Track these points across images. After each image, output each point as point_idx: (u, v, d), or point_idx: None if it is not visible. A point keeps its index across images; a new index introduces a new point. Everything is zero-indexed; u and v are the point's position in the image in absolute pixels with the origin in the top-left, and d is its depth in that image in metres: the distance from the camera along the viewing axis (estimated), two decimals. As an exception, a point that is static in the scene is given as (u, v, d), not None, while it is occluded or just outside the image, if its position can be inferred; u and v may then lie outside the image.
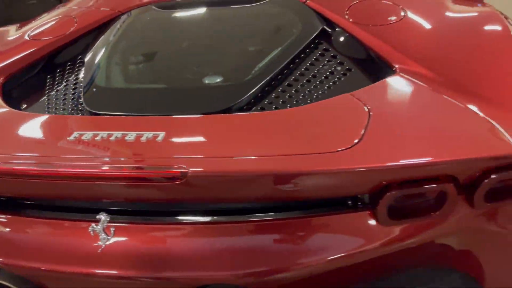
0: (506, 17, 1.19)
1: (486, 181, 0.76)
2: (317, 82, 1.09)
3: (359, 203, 0.79)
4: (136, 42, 1.31)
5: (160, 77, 1.17)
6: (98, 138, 0.83)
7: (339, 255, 0.77)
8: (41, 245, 0.83)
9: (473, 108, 0.85)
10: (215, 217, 0.79)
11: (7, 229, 0.86)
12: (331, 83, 1.07)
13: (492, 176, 0.76)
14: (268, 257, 0.77)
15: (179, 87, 1.10)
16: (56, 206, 0.86)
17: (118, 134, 0.83)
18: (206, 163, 0.75)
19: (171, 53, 1.24)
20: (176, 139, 0.83)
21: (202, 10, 1.44)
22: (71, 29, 1.41)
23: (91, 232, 0.79)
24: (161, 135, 0.82)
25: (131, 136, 0.82)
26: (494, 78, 0.95)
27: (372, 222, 0.77)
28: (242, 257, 0.77)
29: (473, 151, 0.76)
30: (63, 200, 0.85)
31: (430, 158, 0.74)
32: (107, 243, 0.78)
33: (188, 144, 0.84)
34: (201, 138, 0.86)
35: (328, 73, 1.12)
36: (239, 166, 0.74)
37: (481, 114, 0.83)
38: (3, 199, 0.88)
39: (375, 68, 1.10)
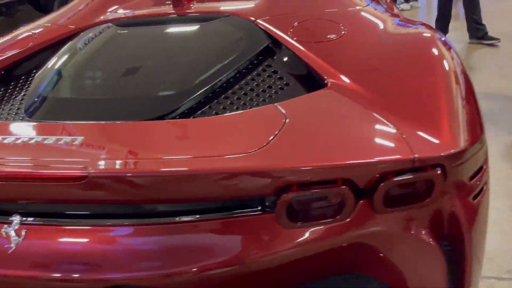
0: (442, 42, 1.23)
1: (382, 184, 0.77)
2: (254, 95, 1.13)
3: (262, 206, 0.80)
4: (85, 56, 1.35)
5: (98, 87, 1.21)
6: (19, 142, 0.86)
7: (243, 257, 0.79)
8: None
9: (386, 120, 0.88)
10: (120, 220, 0.81)
11: None
12: (267, 96, 1.11)
13: (388, 180, 0.78)
14: (170, 259, 0.78)
15: (114, 97, 1.14)
16: None
17: (38, 138, 0.86)
18: (108, 164, 0.78)
19: (115, 66, 1.29)
20: (92, 143, 0.86)
21: (157, 28, 1.49)
22: (29, 44, 1.46)
23: (4, 234, 0.81)
24: (79, 139, 0.85)
25: (50, 140, 0.85)
26: (412, 94, 0.98)
27: (275, 224, 0.79)
28: (147, 259, 0.79)
29: (367, 155, 0.78)
30: None
31: (323, 162, 0.77)
32: (18, 244, 0.80)
33: (102, 148, 0.87)
34: (116, 143, 0.89)
35: (266, 87, 1.16)
36: (138, 167, 0.77)
37: (390, 125, 0.86)
38: None
39: (310, 83, 1.14)
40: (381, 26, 1.36)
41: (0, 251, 0.81)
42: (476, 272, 0.95)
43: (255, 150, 0.79)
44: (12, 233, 0.81)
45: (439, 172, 0.80)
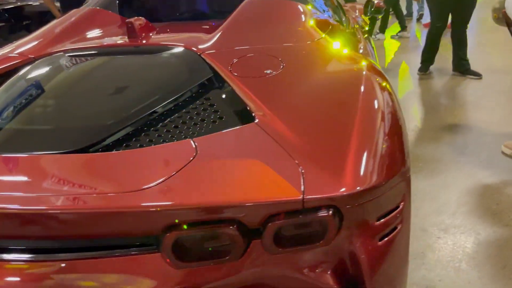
0: (375, 80, 1.24)
1: (270, 225, 0.77)
2: (185, 128, 1.13)
3: (151, 245, 0.80)
4: (29, 85, 1.37)
5: (26, 117, 1.22)
6: None
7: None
8: None
9: (295, 159, 0.87)
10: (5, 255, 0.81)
11: None
12: (198, 130, 1.11)
13: (277, 221, 0.77)
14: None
15: (38, 128, 1.15)
16: None
17: None
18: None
19: (54, 97, 1.30)
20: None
21: (106, 59, 1.52)
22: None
23: None
24: None
25: None
26: (327, 134, 0.99)
27: (164, 264, 0.78)
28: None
29: (255, 196, 0.78)
30: None
31: (208, 201, 0.76)
32: None
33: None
34: (12, 176, 0.90)
35: (199, 120, 1.17)
36: (20, 203, 0.77)
37: (296, 164, 0.86)
38: None
39: (243, 117, 1.14)
40: (320, 62, 1.38)
41: None
42: None
43: (148, 187, 0.79)
44: None
45: (331, 213, 0.79)
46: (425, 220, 2.12)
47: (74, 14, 2.02)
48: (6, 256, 0.81)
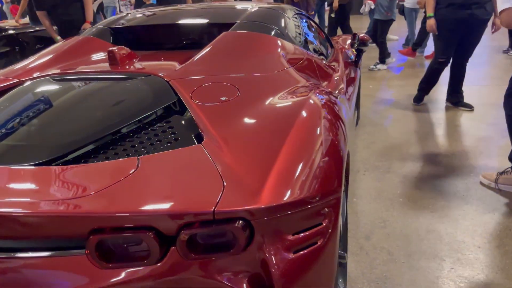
0: (316, 109, 1.37)
1: (183, 233, 0.87)
2: (141, 147, 1.26)
3: (80, 246, 0.91)
4: (9, 105, 1.53)
5: (5, 133, 1.37)
6: None
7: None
8: None
9: (221, 176, 0.99)
10: None
11: None
12: (152, 149, 1.24)
13: (189, 230, 0.88)
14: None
15: (12, 143, 1.29)
16: None
17: None
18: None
19: (27, 115, 1.45)
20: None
21: (84, 83, 1.67)
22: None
23: None
24: None
25: None
26: (259, 155, 1.10)
27: (89, 263, 0.89)
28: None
29: (170, 206, 0.89)
30: None
31: (127, 210, 0.88)
32: None
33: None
34: None
35: (156, 140, 1.30)
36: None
37: (222, 180, 0.97)
38: None
39: (195, 138, 1.27)
40: (274, 91, 1.50)
41: None
42: None
43: (82, 196, 0.91)
44: None
45: (239, 225, 0.89)
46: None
47: (69, 41, 2.21)
48: None
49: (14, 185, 1.01)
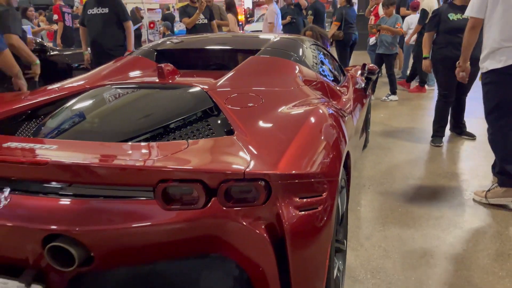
0: (322, 114, 1.76)
1: (223, 185, 1.25)
2: (187, 137, 1.66)
3: (152, 193, 1.29)
4: (84, 103, 1.96)
5: (83, 122, 1.79)
6: (20, 145, 1.42)
7: (133, 225, 1.26)
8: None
9: (248, 153, 1.37)
10: (68, 191, 1.32)
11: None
12: (196, 137, 1.64)
13: (227, 184, 1.25)
14: (87, 219, 1.27)
15: (91, 129, 1.71)
16: None
17: (36, 145, 1.42)
18: (62, 159, 1.31)
19: (101, 111, 1.87)
20: (61, 149, 1.41)
21: (139, 90, 2.10)
22: (52, 95, 2.10)
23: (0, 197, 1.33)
24: (54, 146, 1.40)
25: (36, 145, 1.41)
26: (279, 141, 1.49)
27: (157, 205, 1.27)
28: (74, 220, 1.28)
29: (214, 167, 1.27)
30: None
31: (184, 167, 1.26)
32: (4, 204, 1.32)
33: (64, 150, 1.41)
34: (72, 150, 1.43)
35: (197, 132, 1.70)
36: (77, 161, 1.29)
37: (248, 155, 1.35)
38: None
39: (227, 132, 1.66)
40: (290, 101, 1.90)
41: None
42: (302, 265, 1.36)
43: (153, 159, 1.30)
44: (2, 198, 1.34)
45: (262, 184, 1.27)
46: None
47: (121, 59, 2.67)
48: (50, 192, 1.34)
49: (107, 152, 1.41)
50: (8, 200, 1.34)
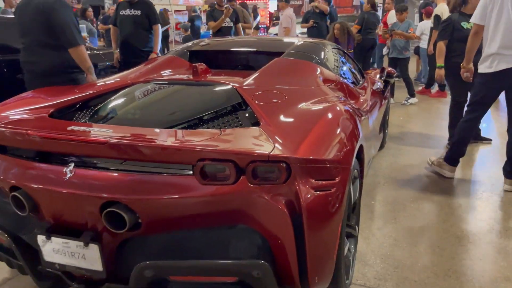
0: (339, 109, 1.98)
1: (250, 165, 1.49)
2: (218, 125, 1.91)
3: (191, 169, 1.54)
4: (128, 96, 2.24)
5: (129, 112, 2.06)
6: (81, 129, 1.70)
7: (175, 196, 1.52)
8: (47, 176, 1.65)
9: (271, 139, 1.60)
10: (126, 166, 1.59)
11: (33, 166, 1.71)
12: (225, 126, 1.89)
13: (254, 165, 1.49)
14: (138, 190, 1.53)
15: (138, 117, 1.98)
16: (57, 158, 1.72)
17: (94, 129, 1.70)
18: (119, 139, 1.57)
19: (142, 103, 2.15)
20: (117, 132, 1.67)
21: (176, 86, 2.37)
22: (100, 89, 2.39)
23: (64, 171, 1.61)
24: (110, 130, 1.67)
25: (95, 129, 1.68)
26: (300, 130, 1.73)
27: (195, 180, 1.52)
28: (128, 189, 1.54)
29: (244, 150, 1.51)
30: (58, 153, 1.70)
31: (220, 149, 1.51)
32: (70, 176, 1.60)
33: (119, 133, 1.67)
34: (126, 133, 1.69)
35: (227, 122, 1.94)
36: (130, 142, 1.56)
37: (271, 142, 1.59)
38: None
39: (253, 123, 1.90)
40: (309, 98, 2.13)
41: (61, 180, 1.61)
42: (317, 236, 1.59)
43: (193, 142, 1.56)
44: (68, 171, 1.61)
45: (283, 166, 1.50)
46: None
47: (157, 59, 2.95)
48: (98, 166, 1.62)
49: (154, 135, 1.67)
50: (73, 173, 1.61)
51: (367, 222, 2.90)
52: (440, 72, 4.32)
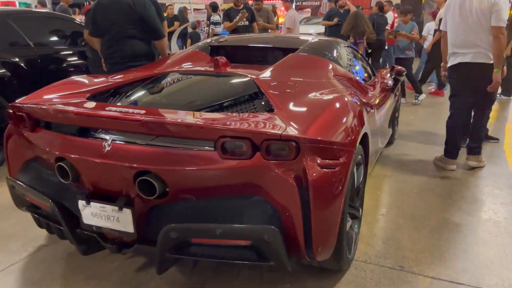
0: (346, 100, 2.21)
1: (265, 142, 1.71)
2: (236, 111, 2.14)
3: (213, 145, 1.78)
4: (158, 84, 2.49)
5: (160, 97, 2.31)
6: (118, 109, 1.95)
7: (199, 167, 1.75)
8: (88, 148, 1.91)
9: (285, 122, 1.83)
10: (157, 141, 1.84)
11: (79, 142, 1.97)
12: (244, 111, 2.12)
13: (268, 142, 1.72)
14: (167, 162, 1.77)
15: (168, 101, 2.23)
16: (97, 133, 1.97)
17: (129, 110, 1.95)
18: (151, 118, 1.82)
19: (171, 91, 2.39)
20: (150, 113, 1.91)
21: (200, 76, 2.62)
22: (130, 77, 2.65)
23: (104, 145, 1.87)
24: (143, 111, 1.92)
25: (130, 110, 1.94)
26: (309, 115, 1.95)
27: (216, 154, 1.76)
28: (158, 160, 1.78)
29: (259, 130, 1.74)
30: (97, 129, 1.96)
31: (238, 129, 1.74)
32: (108, 149, 1.85)
33: (152, 114, 1.91)
34: (156, 114, 1.93)
35: (244, 109, 2.18)
36: (162, 120, 1.80)
37: (284, 124, 1.81)
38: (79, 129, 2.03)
39: (268, 110, 2.13)
40: (319, 89, 2.35)
41: (101, 152, 1.86)
42: (323, 206, 1.81)
43: (214, 121, 1.80)
44: (106, 144, 1.87)
45: (293, 144, 1.72)
46: (401, 220, 2.89)
47: (181, 52, 3.20)
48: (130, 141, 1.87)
49: (183, 115, 1.91)
50: (111, 146, 1.86)
51: (372, 209, 3.10)
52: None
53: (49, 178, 2.14)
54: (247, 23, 6.76)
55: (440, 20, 6.42)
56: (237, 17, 6.55)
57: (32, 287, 2.20)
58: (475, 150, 3.99)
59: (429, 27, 7.73)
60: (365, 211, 2.88)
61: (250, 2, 8.41)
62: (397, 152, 4.48)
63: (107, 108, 1.97)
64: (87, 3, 9.43)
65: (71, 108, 1.97)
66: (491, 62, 3.60)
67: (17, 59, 4.15)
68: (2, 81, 3.96)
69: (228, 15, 6.86)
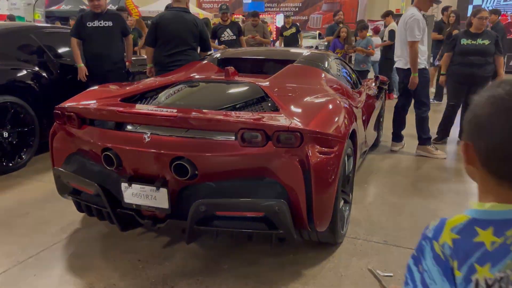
0: (339, 101, 2.69)
1: (275, 133, 2.17)
2: (250, 110, 2.61)
3: (234, 136, 2.23)
4: (176, 90, 2.95)
5: (186, 100, 2.76)
6: (153, 109, 2.40)
7: (223, 154, 2.21)
8: (131, 139, 2.35)
9: (290, 118, 2.29)
10: (189, 133, 2.29)
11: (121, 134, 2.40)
12: (255, 110, 2.58)
13: (278, 133, 2.18)
14: (197, 149, 2.22)
15: (185, 103, 2.68)
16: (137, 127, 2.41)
17: (163, 109, 2.39)
18: (185, 115, 2.27)
19: (185, 95, 2.86)
20: (181, 112, 2.37)
21: (211, 84, 3.09)
22: (152, 85, 3.10)
23: (144, 137, 2.31)
24: (174, 110, 2.37)
25: (163, 109, 2.38)
26: (310, 112, 2.41)
27: (237, 143, 2.21)
28: (189, 148, 2.23)
29: (271, 123, 2.20)
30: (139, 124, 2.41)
31: (253, 122, 2.19)
32: (148, 140, 2.29)
33: (181, 112, 2.36)
34: (184, 113, 2.38)
35: (257, 108, 2.64)
36: (190, 116, 2.25)
37: (289, 119, 2.27)
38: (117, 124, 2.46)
39: (274, 110, 2.59)
40: (314, 92, 2.83)
41: (143, 142, 2.30)
42: (322, 188, 2.27)
43: (229, 119, 2.25)
44: (146, 136, 2.31)
45: (298, 135, 2.18)
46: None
47: (196, 63, 3.68)
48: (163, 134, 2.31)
49: (209, 113, 2.36)
50: (150, 138, 2.31)
51: (360, 198, 3.57)
52: (442, 78, 5.39)
53: (92, 167, 2.57)
54: (234, 37, 6.86)
55: (391, 32, 7.71)
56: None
57: (77, 260, 2.61)
58: (422, 141, 4.86)
59: (374, 41, 8.53)
60: (354, 200, 3.34)
61: (242, 17, 8.85)
62: (383, 153, 4.98)
63: (149, 108, 2.43)
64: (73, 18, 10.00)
65: (120, 108, 2.43)
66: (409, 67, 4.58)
67: (37, 69, 4.57)
68: (26, 90, 4.37)
69: (215, 32, 6.97)
